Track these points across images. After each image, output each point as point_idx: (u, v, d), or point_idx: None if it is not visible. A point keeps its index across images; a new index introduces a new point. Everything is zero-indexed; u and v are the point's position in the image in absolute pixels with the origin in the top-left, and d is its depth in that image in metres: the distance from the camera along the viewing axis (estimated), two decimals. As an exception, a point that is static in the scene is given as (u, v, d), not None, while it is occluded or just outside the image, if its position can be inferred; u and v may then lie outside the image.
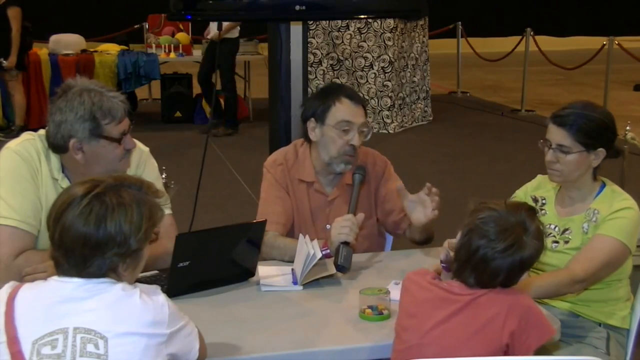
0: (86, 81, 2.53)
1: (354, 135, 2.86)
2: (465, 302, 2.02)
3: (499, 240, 1.98)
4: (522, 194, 2.86)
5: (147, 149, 2.79)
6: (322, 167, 2.97)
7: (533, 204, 2.81)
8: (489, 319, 1.99)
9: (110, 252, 1.78)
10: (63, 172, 2.57)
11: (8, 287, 1.83)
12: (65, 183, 2.56)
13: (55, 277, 1.83)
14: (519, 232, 1.99)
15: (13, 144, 2.57)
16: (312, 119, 2.90)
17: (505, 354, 1.99)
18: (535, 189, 2.85)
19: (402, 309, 2.13)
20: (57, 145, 2.51)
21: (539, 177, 2.87)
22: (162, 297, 1.83)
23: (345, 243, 2.64)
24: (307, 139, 2.97)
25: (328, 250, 2.65)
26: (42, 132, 2.59)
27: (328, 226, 2.83)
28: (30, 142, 2.56)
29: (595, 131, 2.62)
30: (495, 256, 1.97)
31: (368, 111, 8.99)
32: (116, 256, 1.79)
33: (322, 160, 2.94)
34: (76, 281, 1.79)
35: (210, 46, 9.02)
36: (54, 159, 2.56)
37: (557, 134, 2.64)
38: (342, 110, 2.86)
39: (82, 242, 1.77)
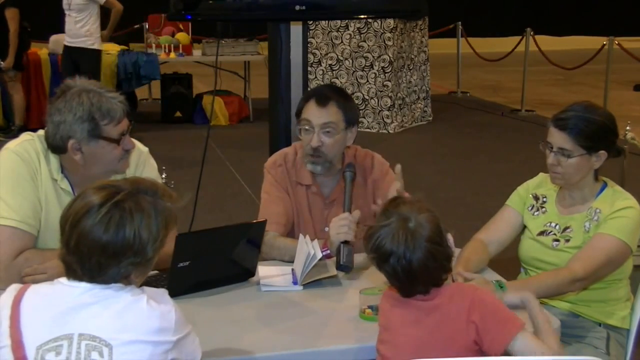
0: (85, 82, 2.52)
1: (313, 136, 2.87)
2: (431, 306, 2.02)
3: (398, 246, 1.97)
4: (524, 191, 2.86)
5: (146, 149, 2.78)
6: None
7: (534, 202, 2.82)
8: (453, 315, 1.99)
9: (126, 261, 1.77)
10: (62, 172, 2.57)
11: (13, 289, 1.81)
12: (64, 184, 2.56)
13: (62, 280, 1.80)
14: (403, 225, 1.99)
15: (12, 144, 2.57)
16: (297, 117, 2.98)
17: (479, 352, 1.99)
18: (536, 187, 2.85)
19: (380, 325, 2.14)
20: (56, 146, 2.51)
21: (541, 175, 2.86)
22: (169, 303, 1.81)
23: (346, 242, 2.64)
24: None
25: (328, 251, 2.65)
26: (41, 132, 2.58)
27: (326, 228, 2.83)
28: (29, 143, 2.56)
29: (597, 134, 2.62)
30: (410, 258, 1.97)
31: (368, 111, 9.15)
32: (132, 265, 1.78)
33: None
34: (84, 286, 1.77)
35: (66, 55, 8.35)
36: (53, 159, 2.56)
37: (558, 138, 2.63)
38: (305, 111, 2.91)
39: (100, 251, 1.75)
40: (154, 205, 1.80)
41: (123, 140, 2.51)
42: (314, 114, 2.88)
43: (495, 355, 1.97)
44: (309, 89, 3.13)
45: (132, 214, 1.76)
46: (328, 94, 2.92)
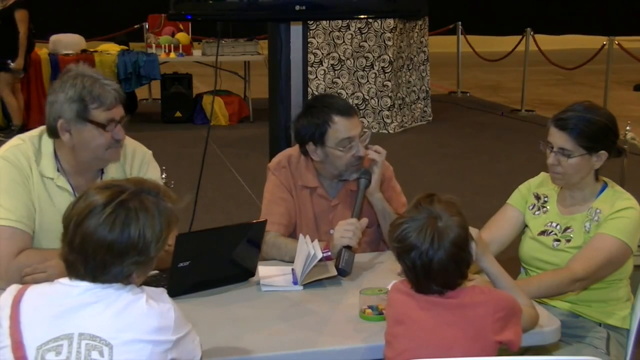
0: (86, 68, 2.56)
1: (358, 147, 2.85)
2: (454, 304, 2.03)
3: (422, 242, 1.98)
4: (526, 190, 2.86)
5: (150, 151, 2.80)
6: (325, 175, 2.96)
7: (535, 201, 2.82)
8: (480, 315, 2.00)
9: (129, 260, 1.77)
10: (58, 170, 2.58)
11: (13, 289, 1.82)
12: (61, 181, 2.57)
13: (61, 280, 1.81)
14: (432, 223, 2.00)
15: (1, 151, 2.59)
16: (311, 143, 2.87)
17: (499, 352, 2.01)
18: (538, 186, 2.85)
19: (389, 317, 2.14)
20: (50, 127, 2.54)
21: (542, 174, 2.86)
22: (168, 302, 1.82)
23: (347, 247, 2.64)
24: (304, 154, 2.95)
25: (329, 253, 2.65)
26: (34, 132, 2.62)
27: (331, 231, 2.83)
28: (17, 148, 2.57)
29: (597, 134, 2.62)
30: (431, 256, 1.98)
31: (368, 111, 9.15)
32: (134, 264, 1.79)
33: (328, 171, 2.93)
34: (83, 285, 1.77)
35: None
36: (48, 158, 2.57)
37: (558, 138, 2.63)
38: (338, 130, 2.82)
39: (105, 250, 1.75)
40: (157, 205, 1.81)
41: (111, 127, 2.51)
42: (351, 127, 2.83)
43: (515, 345, 2.03)
44: (316, 106, 2.93)
45: (137, 214, 1.77)
46: (345, 104, 2.92)
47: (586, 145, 2.61)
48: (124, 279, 1.80)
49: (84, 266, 1.77)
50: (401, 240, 2.02)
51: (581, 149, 2.61)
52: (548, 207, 2.79)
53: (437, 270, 1.99)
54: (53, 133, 2.55)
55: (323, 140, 2.84)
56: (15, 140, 2.62)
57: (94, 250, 1.75)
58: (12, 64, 8.51)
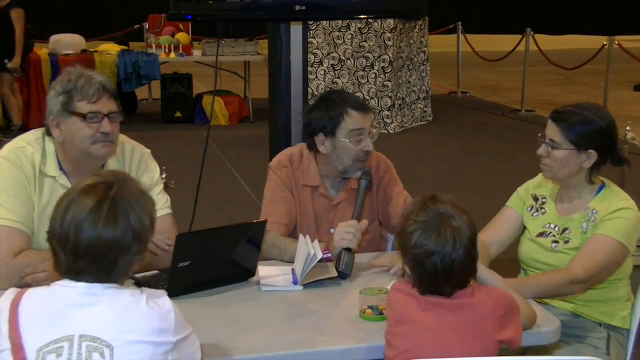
0: (79, 67, 2.58)
1: (367, 141, 2.86)
2: (455, 304, 2.03)
3: (443, 245, 1.98)
4: (524, 191, 2.87)
5: (148, 150, 2.80)
6: (328, 172, 2.96)
7: (533, 202, 2.82)
8: (480, 314, 2.01)
9: (134, 250, 1.79)
10: (60, 169, 2.59)
11: (10, 293, 1.81)
12: (62, 179, 2.58)
13: (60, 282, 1.80)
14: (447, 223, 2.00)
15: (4, 151, 2.60)
16: (321, 133, 2.89)
17: (500, 351, 2.02)
18: (535, 187, 2.85)
19: (390, 317, 2.14)
20: (45, 126, 2.56)
21: (541, 175, 2.86)
22: (168, 303, 1.81)
23: (347, 249, 2.64)
24: (310, 148, 2.96)
25: (329, 254, 2.65)
26: (37, 132, 2.62)
27: (332, 230, 2.83)
28: (22, 151, 2.58)
29: (588, 133, 2.61)
30: (453, 257, 1.98)
31: (368, 111, 9.13)
32: (137, 254, 1.81)
33: (333, 168, 2.93)
34: (81, 286, 1.77)
35: None
36: (51, 158, 2.58)
37: (551, 129, 2.66)
38: (352, 122, 2.85)
39: (114, 247, 1.76)
40: (138, 187, 1.85)
41: (95, 120, 2.51)
42: (363, 120, 2.86)
43: (516, 343, 2.04)
44: (332, 99, 2.96)
45: (131, 203, 1.79)
46: (360, 100, 2.96)
47: (575, 141, 2.61)
48: (128, 271, 1.81)
49: (96, 268, 1.77)
50: (420, 246, 2.00)
51: (569, 144, 2.61)
52: (546, 208, 2.79)
53: (457, 270, 1.99)
54: (47, 131, 2.57)
55: (334, 131, 2.86)
56: (19, 141, 2.62)
57: (103, 251, 1.75)
58: (8, 63, 8.51)
